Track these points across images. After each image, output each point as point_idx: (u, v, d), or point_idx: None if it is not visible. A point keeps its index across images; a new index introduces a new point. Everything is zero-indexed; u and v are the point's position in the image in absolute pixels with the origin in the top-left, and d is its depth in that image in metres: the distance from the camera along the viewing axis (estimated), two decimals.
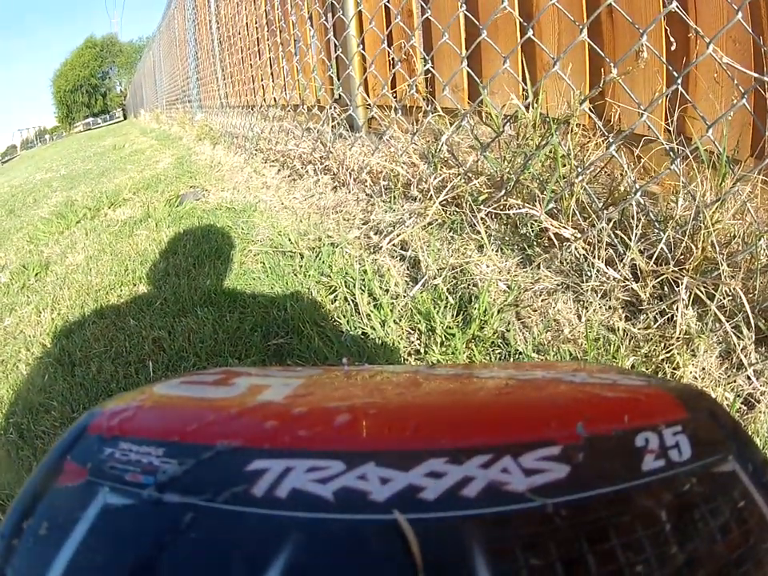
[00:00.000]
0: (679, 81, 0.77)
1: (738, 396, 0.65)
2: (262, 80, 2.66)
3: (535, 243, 0.90)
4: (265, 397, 0.18)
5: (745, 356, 0.66)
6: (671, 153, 0.79)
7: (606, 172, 0.98)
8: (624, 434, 0.14)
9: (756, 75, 0.75)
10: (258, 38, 2.76)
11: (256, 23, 2.77)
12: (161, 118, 6.71)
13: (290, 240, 1.28)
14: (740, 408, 0.64)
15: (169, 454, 0.14)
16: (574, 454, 0.14)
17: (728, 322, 0.67)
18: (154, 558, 0.12)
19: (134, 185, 1.98)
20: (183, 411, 0.17)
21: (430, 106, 1.21)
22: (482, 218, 0.97)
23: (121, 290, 1.29)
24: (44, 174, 4.31)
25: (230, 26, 3.36)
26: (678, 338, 0.69)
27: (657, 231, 0.78)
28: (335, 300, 0.99)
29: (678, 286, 0.72)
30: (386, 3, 1.49)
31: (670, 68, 0.85)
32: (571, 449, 0.14)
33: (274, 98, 2.43)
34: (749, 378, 0.65)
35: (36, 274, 1.37)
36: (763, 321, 0.68)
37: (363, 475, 0.13)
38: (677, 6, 0.76)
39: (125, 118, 20.87)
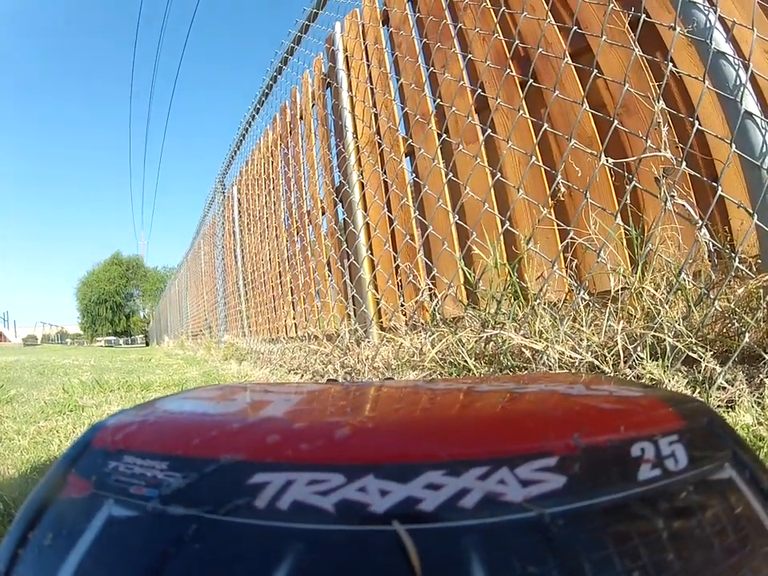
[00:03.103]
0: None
1: None
2: (285, 318, 2.85)
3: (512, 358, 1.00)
4: (266, 411, 0.19)
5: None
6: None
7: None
8: (620, 444, 0.15)
9: None
10: (279, 271, 2.96)
11: (279, 258, 2.98)
12: (186, 344, 6.43)
13: None
14: None
15: (172, 467, 0.14)
16: (570, 465, 0.14)
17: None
18: (158, 569, 0.12)
19: (164, 382, 1.98)
20: (186, 425, 0.17)
21: (434, 319, 1.36)
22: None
23: None
24: (72, 360, 4.14)
25: (255, 262, 3.55)
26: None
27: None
28: None
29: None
30: (390, 250, 1.76)
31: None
32: (567, 459, 0.14)
33: (295, 329, 2.68)
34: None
35: (70, 411, 1.35)
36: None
37: (363, 487, 0.13)
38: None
39: (147, 345, 20.17)
